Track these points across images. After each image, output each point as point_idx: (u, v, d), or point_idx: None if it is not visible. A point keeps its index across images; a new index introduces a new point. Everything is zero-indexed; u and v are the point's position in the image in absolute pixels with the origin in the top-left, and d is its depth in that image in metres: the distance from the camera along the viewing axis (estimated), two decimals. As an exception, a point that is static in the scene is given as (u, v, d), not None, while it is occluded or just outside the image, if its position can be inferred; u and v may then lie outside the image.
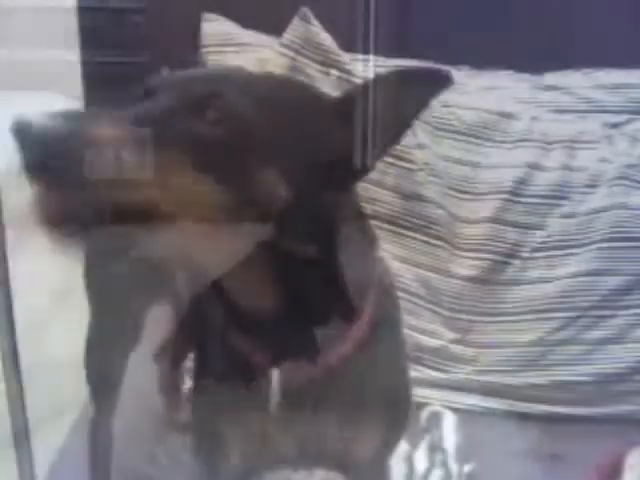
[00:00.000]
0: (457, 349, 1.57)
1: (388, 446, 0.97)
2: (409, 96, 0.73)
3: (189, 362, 1.50)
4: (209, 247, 0.71)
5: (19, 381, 1.35)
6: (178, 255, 0.75)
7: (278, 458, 0.95)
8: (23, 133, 0.60)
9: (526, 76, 1.77)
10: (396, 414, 0.95)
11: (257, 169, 0.69)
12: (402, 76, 0.75)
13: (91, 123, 0.64)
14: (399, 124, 0.74)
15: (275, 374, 0.83)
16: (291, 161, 0.72)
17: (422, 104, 0.74)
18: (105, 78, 1.70)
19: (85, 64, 1.77)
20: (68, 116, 0.63)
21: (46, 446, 1.38)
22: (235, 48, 1.67)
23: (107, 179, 0.62)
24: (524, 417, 1.52)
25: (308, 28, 1.59)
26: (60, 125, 0.61)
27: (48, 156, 0.60)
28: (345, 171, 0.76)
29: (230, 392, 0.90)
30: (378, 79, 0.74)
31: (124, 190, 0.63)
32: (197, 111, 0.68)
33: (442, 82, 0.74)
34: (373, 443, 0.92)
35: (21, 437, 1.39)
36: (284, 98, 0.75)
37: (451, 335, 1.57)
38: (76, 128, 0.62)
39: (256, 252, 0.73)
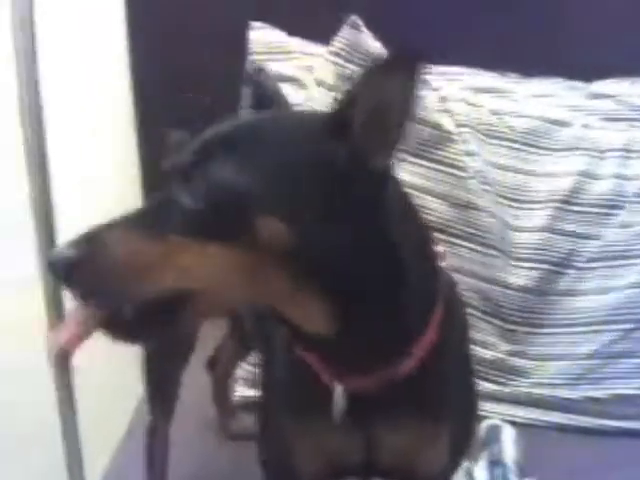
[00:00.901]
0: (514, 361, 1.53)
1: (456, 458, 0.95)
2: (397, 84, 0.70)
3: (241, 371, 1.51)
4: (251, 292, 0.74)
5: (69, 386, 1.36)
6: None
7: (343, 470, 0.93)
8: (55, 270, 0.70)
9: (574, 84, 1.75)
10: (463, 429, 0.94)
11: (253, 221, 0.70)
12: (384, 66, 0.72)
13: (111, 245, 0.70)
14: (399, 116, 0.72)
15: (339, 387, 0.82)
16: (290, 199, 0.72)
17: (411, 88, 0.70)
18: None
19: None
20: (91, 239, 0.70)
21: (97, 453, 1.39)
22: (282, 56, 1.66)
23: (137, 283, 0.70)
24: (583, 431, 1.48)
25: (357, 36, 1.57)
26: (85, 255, 0.69)
27: (83, 286, 0.71)
28: (365, 182, 0.73)
29: (295, 402, 0.89)
30: (361, 81, 0.72)
31: (149, 283, 0.70)
32: (186, 185, 0.72)
33: (421, 61, 0.70)
34: (440, 458, 0.90)
35: (71, 440, 1.39)
36: (272, 142, 0.74)
37: (507, 347, 1.53)
38: (100, 253, 0.69)
39: (308, 283, 0.72)
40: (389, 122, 0.71)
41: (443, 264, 0.91)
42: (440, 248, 0.88)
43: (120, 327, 0.72)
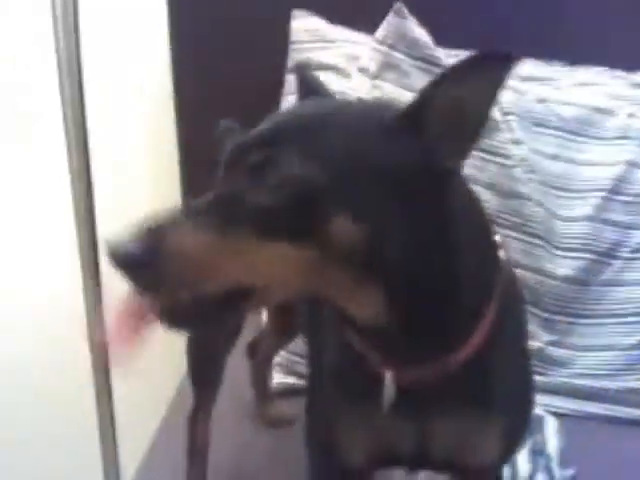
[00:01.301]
0: (555, 351, 1.52)
1: (508, 450, 0.94)
2: (480, 86, 0.69)
3: (279, 358, 1.52)
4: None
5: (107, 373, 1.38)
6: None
7: (391, 460, 0.93)
8: (116, 259, 0.67)
9: (620, 73, 1.72)
10: (516, 422, 0.93)
11: (326, 221, 0.68)
12: (468, 67, 0.70)
13: (178, 242, 0.68)
14: (478, 117, 0.71)
15: (389, 375, 0.81)
16: (362, 197, 0.70)
17: (494, 91, 0.70)
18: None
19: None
20: (156, 234, 0.68)
21: (135, 438, 1.41)
22: (324, 44, 1.66)
23: (203, 281, 0.69)
24: (626, 422, 1.48)
25: (403, 23, 1.56)
26: (152, 251, 0.67)
27: (144, 279, 0.68)
28: (434, 179, 0.73)
29: (345, 389, 0.90)
30: (442, 75, 0.71)
31: (216, 281, 0.69)
32: (256, 184, 0.69)
33: (508, 63, 0.69)
34: (492, 451, 0.89)
35: (107, 428, 1.42)
36: (343, 136, 0.72)
37: (549, 337, 1.52)
38: (167, 250, 0.67)
39: (369, 277, 0.72)
40: (466, 124, 0.71)
41: (503, 255, 0.90)
42: (499, 238, 0.87)
43: (179, 318, 0.72)
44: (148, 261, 0.66)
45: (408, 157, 0.71)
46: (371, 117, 0.76)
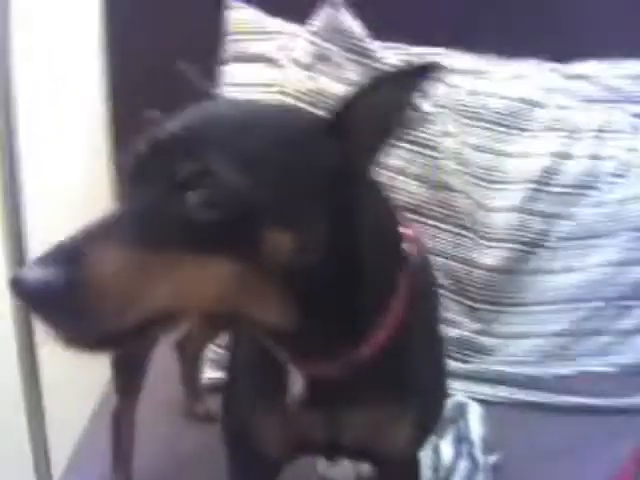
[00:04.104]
0: (481, 340, 1.56)
1: (421, 439, 0.97)
2: (400, 93, 0.72)
3: (209, 353, 1.51)
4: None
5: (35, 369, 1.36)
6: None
7: (307, 450, 0.95)
8: (20, 292, 0.59)
9: (551, 65, 1.76)
10: (429, 409, 0.95)
11: (261, 233, 0.67)
12: (392, 76, 0.73)
13: (87, 262, 0.60)
14: (392, 122, 0.73)
15: (295, 372, 0.83)
16: (297, 209, 0.70)
17: (410, 98, 0.72)
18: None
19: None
20: (69, 256, 0.60)
21: (65, 434, 1.40)
22: (261, 36, 1.66)
23: (119, 305, 0.61)
24: (550, 409, 1.50)
25: (337, 16, 1.58)
26: (65, 278, 0.58)
27: (52, 311, 0.59)
28: (351, 182, 0.74)
29: (258, 384, 0.91)
30: (368, 85, 0.73)
31: (139, 309, 0.62)
32: (185, 196, 0.64)
33: (428, 73, 0.71)
34: (404, 437, 0.91)
35: (37, 424, 1.41)
36: (278, 145, 0.70)
37: (475, 326, 1.56)
38: (84, 275, 0.59)
39: (277, 282, 0.71)
40: (383, 129, 0.73)
41: (421, 245, 0.91)
42: (413, 230, 0.89)
43: (90, 347, 0.63)
44: (59, 290, 0.58)
45: (334, 163, 0.73)
46: (295, 124, 0.76)
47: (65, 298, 0.59)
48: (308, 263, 0.71)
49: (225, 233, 0.64)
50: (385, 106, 0.72)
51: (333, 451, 0.95)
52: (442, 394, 0.98)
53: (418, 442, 0.97)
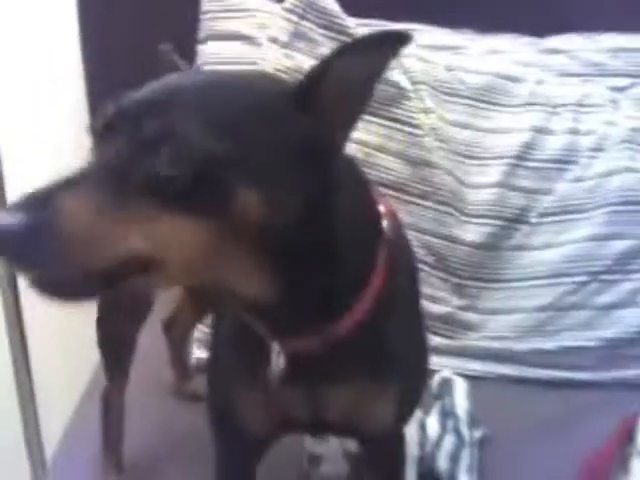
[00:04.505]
0: (465, 316, 1.55)
1: (404, 415, 0.97)
2: (369, 61, 0.71)
3: (197, 333, 1.51)
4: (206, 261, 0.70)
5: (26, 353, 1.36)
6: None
7: (290, 427, 0.95)
8: None
9: (528, 39, 1.75)
10: (412, 384, 0.95)
11: (230, 193, 0.67)
12: (360, 43, 0.73)
13: (57, 207, 0.62)
14: (363, 92, 0.73)
15: (276, 346, 0.82)
16: (265, 170, 0.70)
17: (381, 67, 0.72)
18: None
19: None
20: (31, 206, 0.62)
21: (55, 416, 1.39)
22: (237, 14, 1.64)
23: (88, 248, 0.63)
24: (533, 383, 1.51)
25: (312, -8, 1.56)
26: (25, 224, 0.60)
27: (19, 254, 0.62)
28: (323, 153, 0.74)
29: (240, 362, 0.91)
30: (335, 52, 0.72)
31: (108, 253, 0.64)
32: (153, 152, 0.65)
33: (399, 41, 0.71)
34: (387, 414, 0.91)
35: (28, 405, 1.40)
36: (245, 106, 0.71)
37: (459, 302, 1.55)
38: (55, 221, 0.62)
39: (259, 251, 0.71)
40: (354, 99, 0.73)
41: (398, 221, 0.91)
42: (390, 206, 0.88)
43: (63, 292, 0.66)
44: (30, 235, 0.60)
45: (306, 128, 0.72)
46: (264, 89, 0.76)
47: (32, 241, 0.61)
48: (281, 228, 0.71)
49: (193, 191, 0.65)
50: (357, 75, 0.71)
51: (318, 428, 0.96)
52: (423, 369, 0.98)
53: (401, 418, 0.97)
